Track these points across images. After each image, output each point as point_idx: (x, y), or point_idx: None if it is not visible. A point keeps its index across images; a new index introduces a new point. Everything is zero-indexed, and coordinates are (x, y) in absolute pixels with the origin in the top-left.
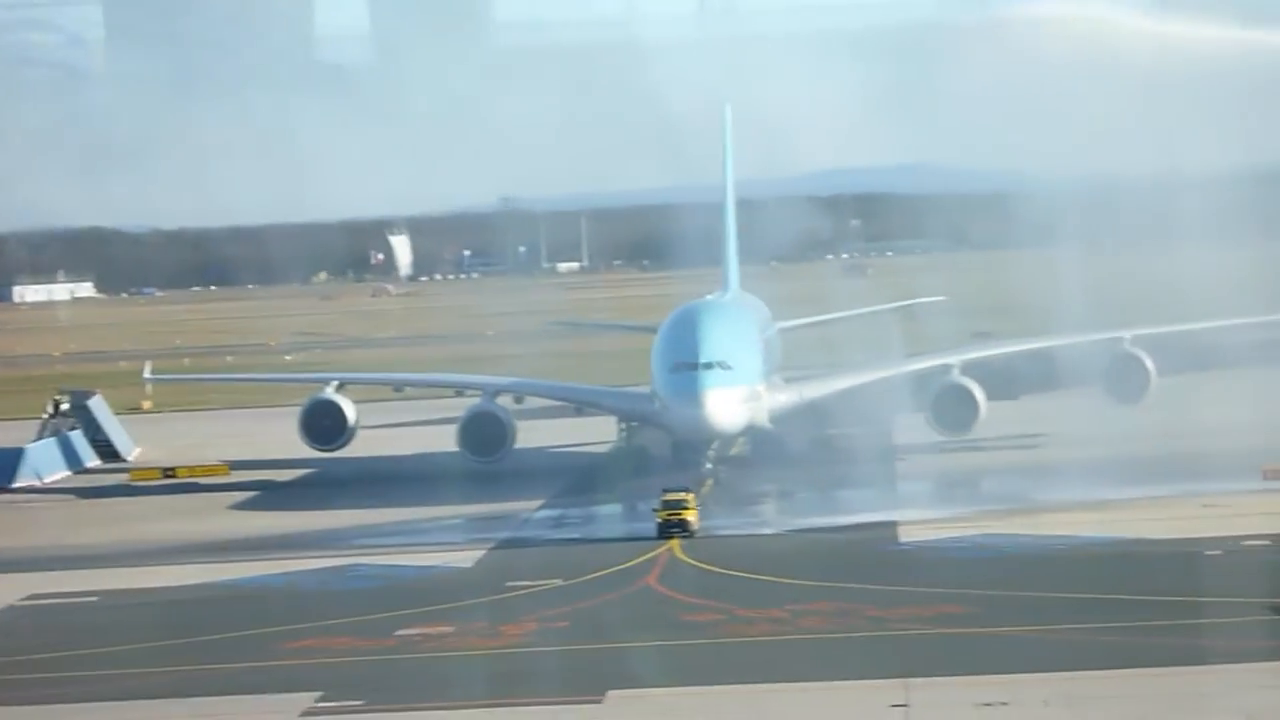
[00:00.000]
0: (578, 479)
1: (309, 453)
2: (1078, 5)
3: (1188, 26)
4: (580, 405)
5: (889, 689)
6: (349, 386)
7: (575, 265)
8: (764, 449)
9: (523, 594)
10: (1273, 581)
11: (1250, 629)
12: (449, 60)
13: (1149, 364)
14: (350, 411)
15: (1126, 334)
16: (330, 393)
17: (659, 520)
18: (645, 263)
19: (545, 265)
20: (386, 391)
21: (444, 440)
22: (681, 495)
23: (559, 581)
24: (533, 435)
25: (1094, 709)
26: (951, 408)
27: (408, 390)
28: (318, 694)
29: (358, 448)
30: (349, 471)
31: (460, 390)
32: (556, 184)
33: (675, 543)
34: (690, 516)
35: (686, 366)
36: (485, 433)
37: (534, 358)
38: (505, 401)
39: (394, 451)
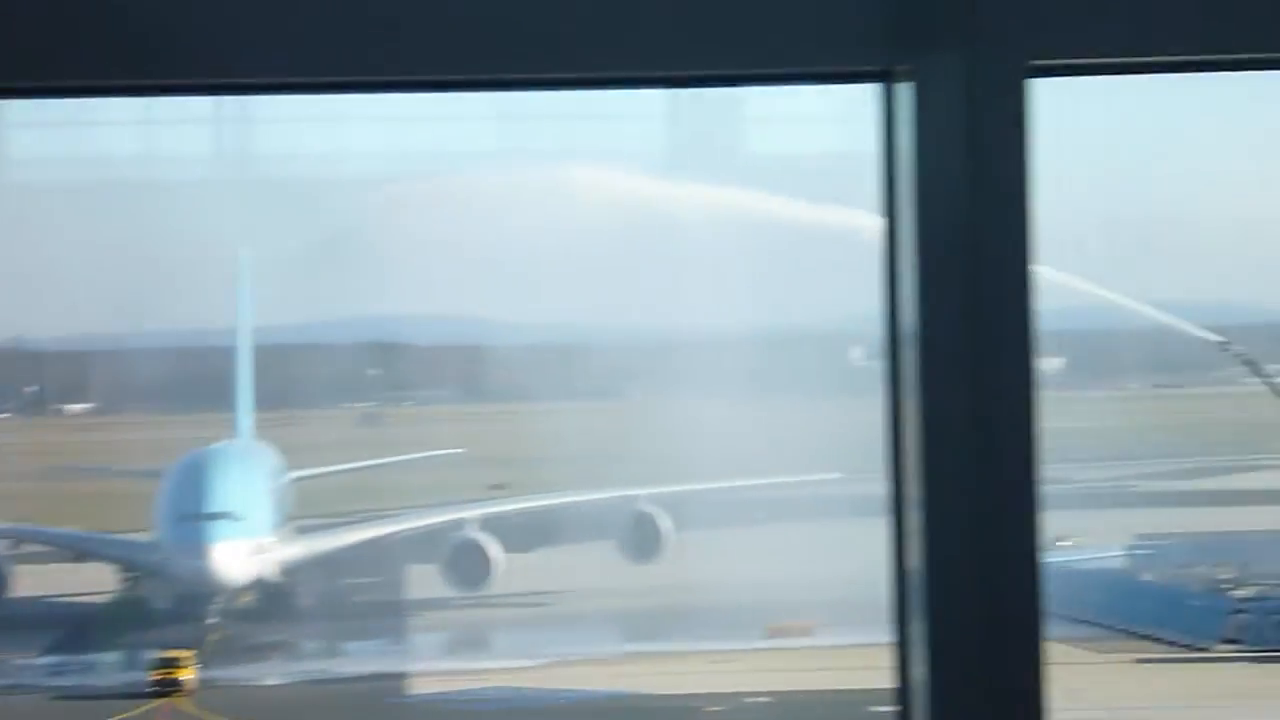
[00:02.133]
0: (73, 631)
1: None
2: (604, 172)
3: (720, 195)
4: (80, 553)
5: None
6: None
7: (83, 407)
8: (273, 602)
9: None
10: None
11: None
12: None
13: (664, 522)
14: None
15: (642, 491)
16: None
17: (152, 679)
18: (160, 405)
19: (54, 406)
20: None
21: None
22: (176, 654)
23: None
24: (27, 582)
25: None
26: (466, 563)
27: None
28: None
29: None
30: None
31: None
32: (69, 324)
33: (180, 696)
34: (184, 676)
35: (192, 517)
36: None
37: (36, 499)
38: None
39: None
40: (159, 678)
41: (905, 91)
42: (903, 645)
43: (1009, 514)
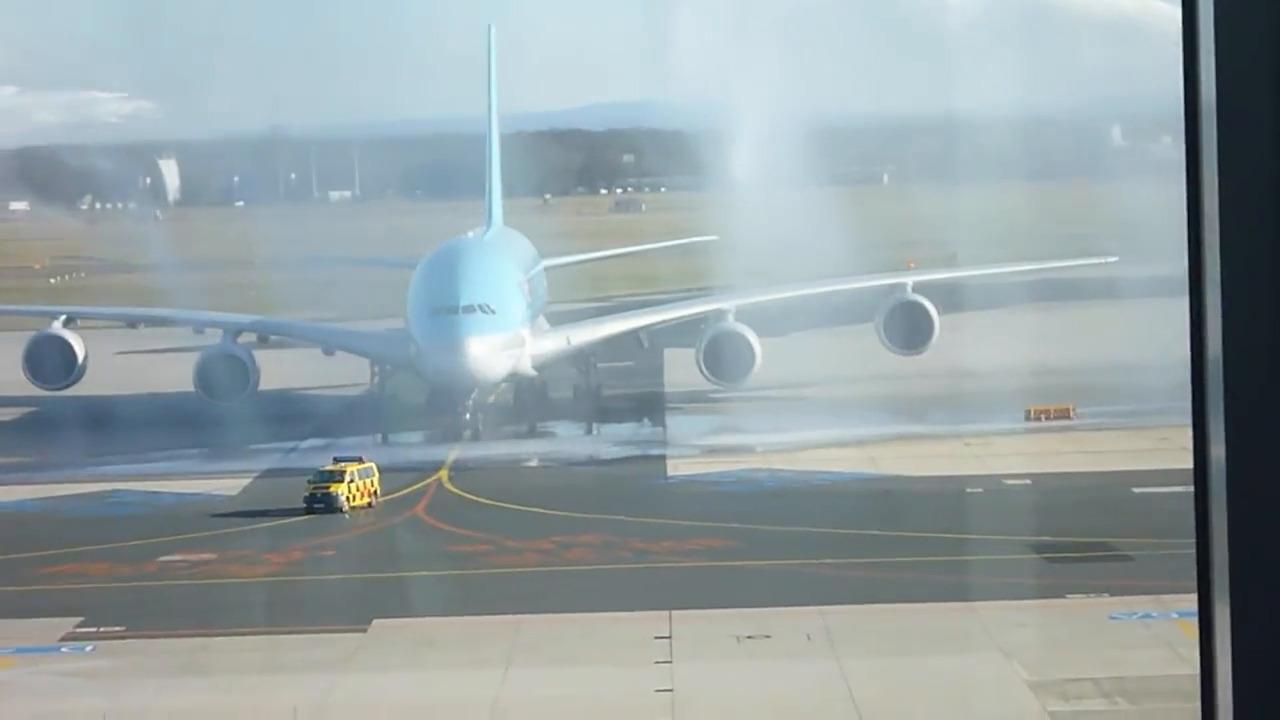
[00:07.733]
0: (328, 422)
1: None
2: None
3: None
4: (330, 348)
5: (653, 621)
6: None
7: (346, 194)
8: (527, 396)
9: (287, 523)
10: (1030, 521)
11: (1007, 567)
12: None
13: (931, 310)
14: (79, 348)
15: (908, 280)
16: (57, 328)
17: (306, 493)
18: (418, 193)
19: (316, 194)
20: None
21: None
22: (341, 467)
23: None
24: (279, 371)
25: (853, 643)
26: (724, 356)
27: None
28: (78, 619)
29: (87, 386)
30: (83, 411)
31: (199, 329)
32: (329, 112)
33: (444, 474)
34: (340, 490)
35: (445, 310)
36: (224, 374)
37: (295, 286)
38: (250, 337)
39: (126, 391)
40: (309, 493)
41: None
42: (1201, 424)
43: None
